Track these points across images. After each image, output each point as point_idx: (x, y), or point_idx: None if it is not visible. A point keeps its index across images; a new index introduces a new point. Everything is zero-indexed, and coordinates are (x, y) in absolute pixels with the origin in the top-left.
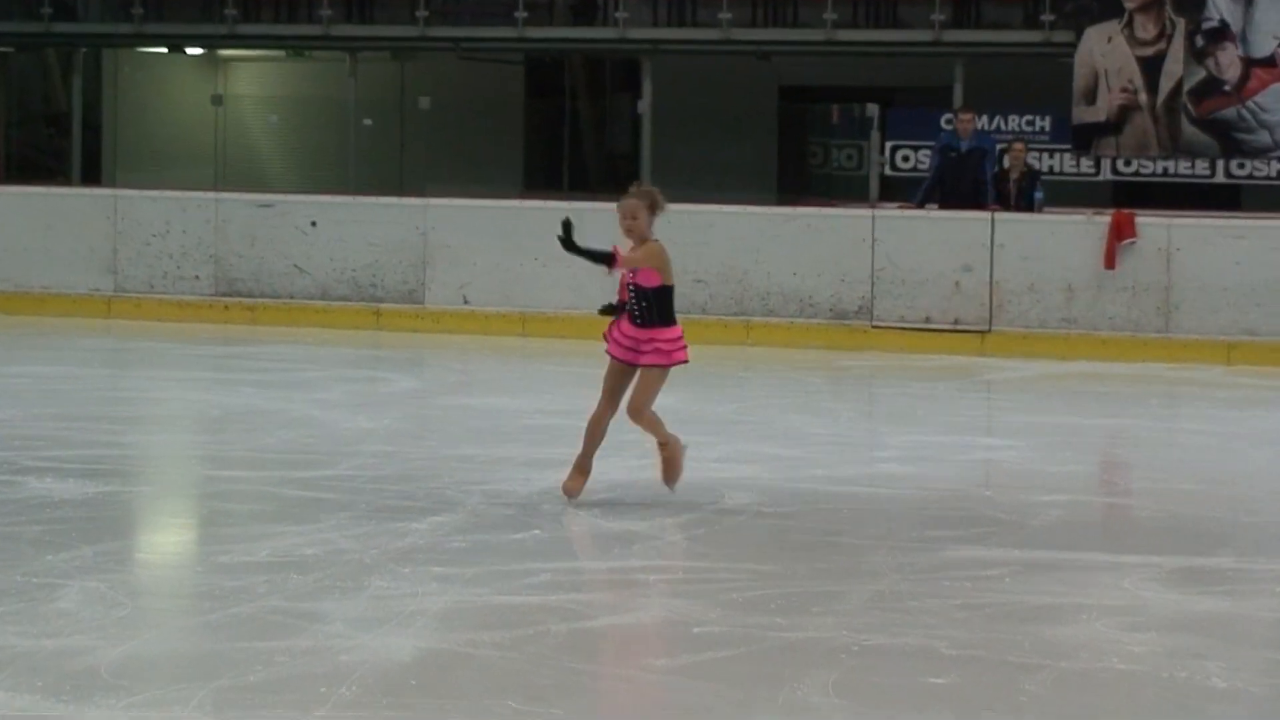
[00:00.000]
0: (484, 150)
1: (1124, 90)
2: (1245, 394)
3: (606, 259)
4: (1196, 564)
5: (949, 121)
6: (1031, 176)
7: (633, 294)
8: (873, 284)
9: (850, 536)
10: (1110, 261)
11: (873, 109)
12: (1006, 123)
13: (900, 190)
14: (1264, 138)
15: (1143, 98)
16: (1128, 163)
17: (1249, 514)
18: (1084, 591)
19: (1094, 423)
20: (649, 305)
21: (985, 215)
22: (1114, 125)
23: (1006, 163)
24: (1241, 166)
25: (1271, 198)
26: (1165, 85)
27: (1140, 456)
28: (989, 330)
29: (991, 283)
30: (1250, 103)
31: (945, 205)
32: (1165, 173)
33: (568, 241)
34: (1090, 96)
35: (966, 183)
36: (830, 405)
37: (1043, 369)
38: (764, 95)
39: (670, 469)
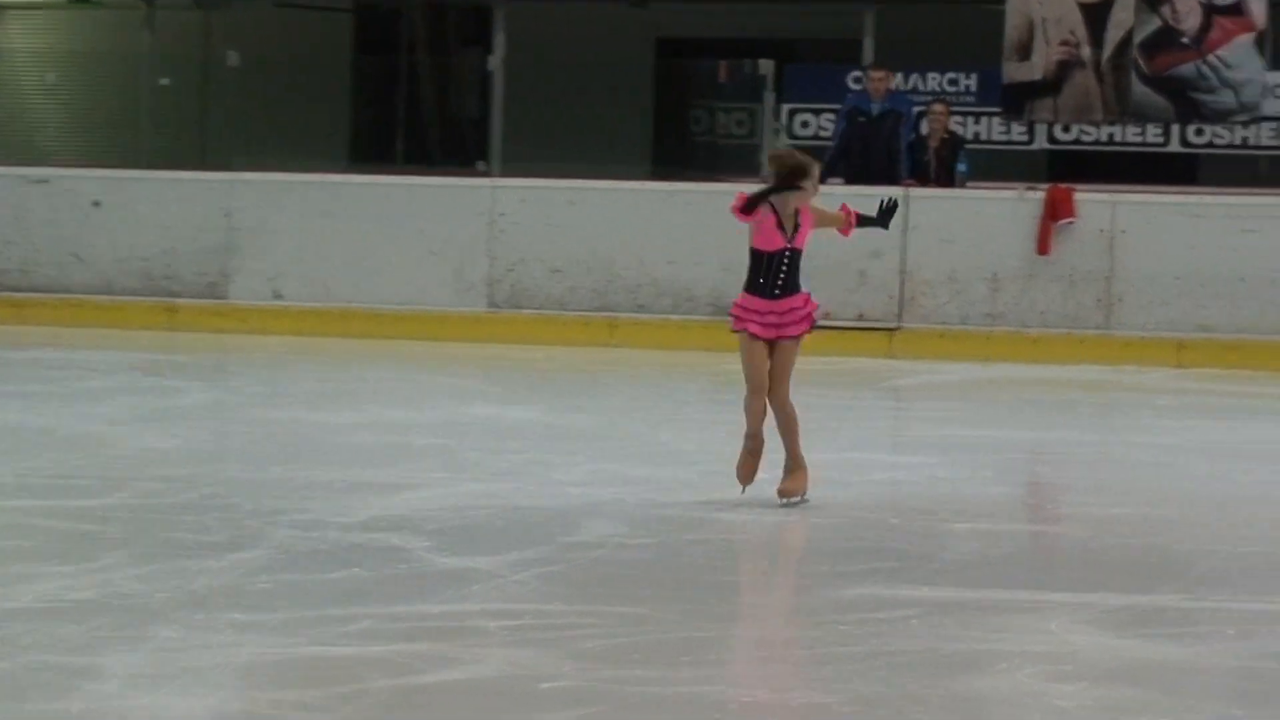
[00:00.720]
0: (303, 116)
1: (1064, 44)
2: (1195, 400)
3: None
4: (1136, 602)
5: (858, 81)
6: (954, 145)
7: (787, 258)
8: None
9: (729, 573)
10: (1044, 246)
11: (767, 66)
12: (925, 82)
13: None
14: (1227, 99)
15: (1085, 52)
16: (1067, 129)
17: (1197, 543)
18: (1005, 636)
19: (1020, 436)
20: (795, 270)
21: (899, 191)
22: (1051, 85)
23: (925, 129)
24: (1200, 133)
25: (1235, 170)
26: (1112, 37)
27: (1073, 476)
28: (898, 327)
29: (903, 271)
30: (1212, 58)
31: (852, 179)
32: (1111, 140)
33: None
34: (1024, 51)
35: (878, 153)
36: (709, 417)
37: (962, 373)
38: (638, 49)
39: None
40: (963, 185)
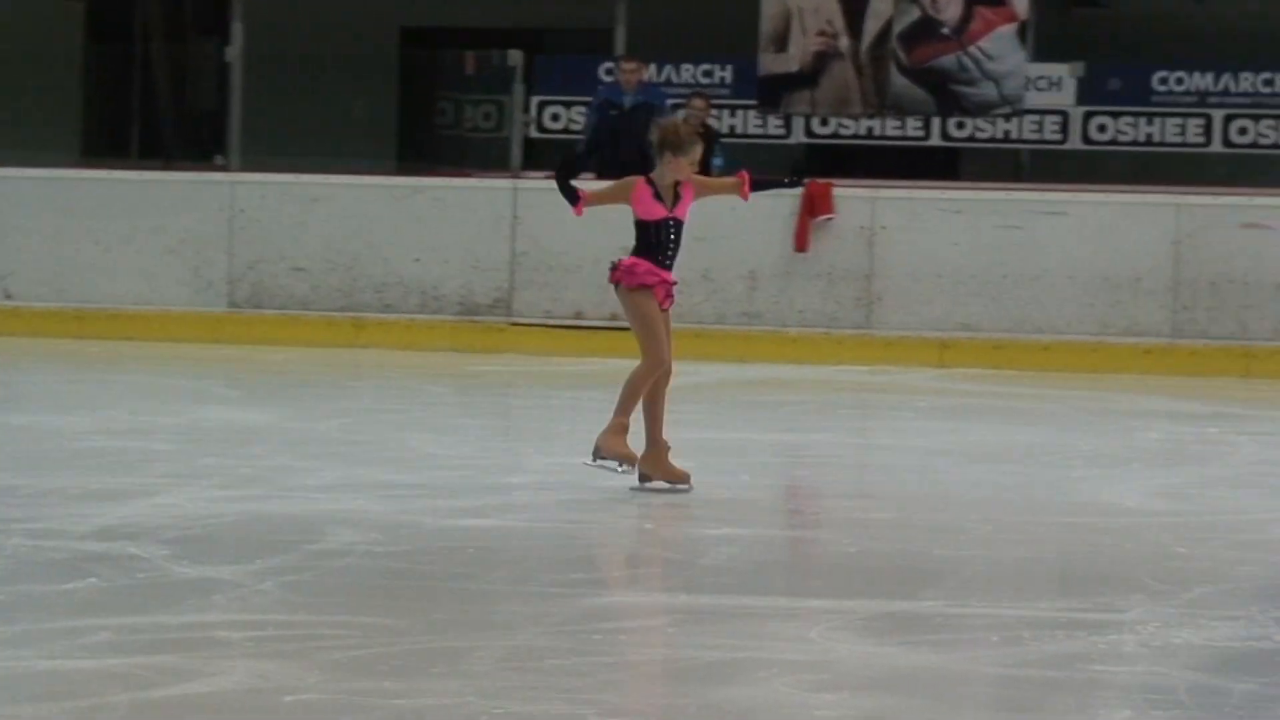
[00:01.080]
0: (31, 108)
1: (821, 34)
2: (958, 401)
3: (573, 197)
4: (897, 609)
5: (610, 72)
6: (709, 139)
7: (671, 227)
8: (512, 272)
9: (479, 581)
10: (802, 243)
11: (516, 56)
12: (680, 73)
13: (549, 156)
14: (989, 91)
15: (844, 43)
16: (825, 122)
17: (959, 547)
18: (762, 644)
19: (778, 439)
20: (680, 240)
21: None
22: (809, 76)
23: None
24: (961, 126)
25: (997, 164)
26: (871, 27)
27: (832, 480)
28: None
29: None
30: (973, 49)
31: (604, 175)
32: (870, 134)
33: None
34: (780, 42)
35: (631, 147)
36: (458, 421)
37: (718, 374)
38: (382, 39)
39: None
40: None
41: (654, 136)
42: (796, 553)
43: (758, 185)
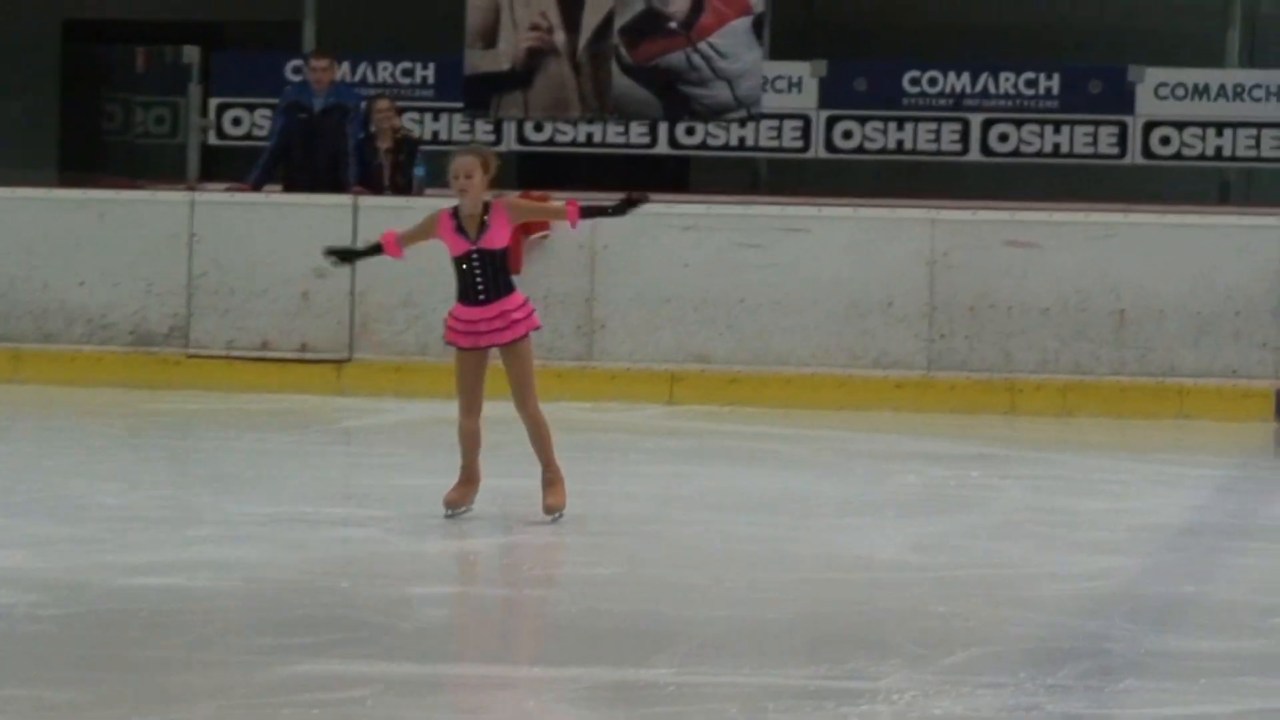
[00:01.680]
0: None
1: (534, 28)
2: (691, 442)
3: (377, 248)
4: (626, 677)
5: (298, 71)
6: (408, 146)
7: (476, 261)
8: (190, 297)
9: (158, 648)
10: (515, 264)
11: (192, 53)
12: (376, 72)
13: (231, 165)
14: (721, 92)
15: (559, 38)
16: (539, 127)
17: (694, 607)
18: (476, 717)
19: (490, 484)
20: (497, 271)
21: (346, 200)
22: (521, 76)
23: (374, 127)
24: (692, 133)
25: (732, 174)
26: (590, 21)
27: (551, 530)
28: (349, 359)
29: (354, 294)
30: (704, 45)
31: (292, 186)
32: (590, 141)
33: (347, 256)
34: (489, 37)
35: (322, 155)
36: (129, 466)
37: (423, 412)
38: (41, 32)
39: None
40: (420, 192)
41: (480, 158)
42: (512, 614)
43: (587, 212)
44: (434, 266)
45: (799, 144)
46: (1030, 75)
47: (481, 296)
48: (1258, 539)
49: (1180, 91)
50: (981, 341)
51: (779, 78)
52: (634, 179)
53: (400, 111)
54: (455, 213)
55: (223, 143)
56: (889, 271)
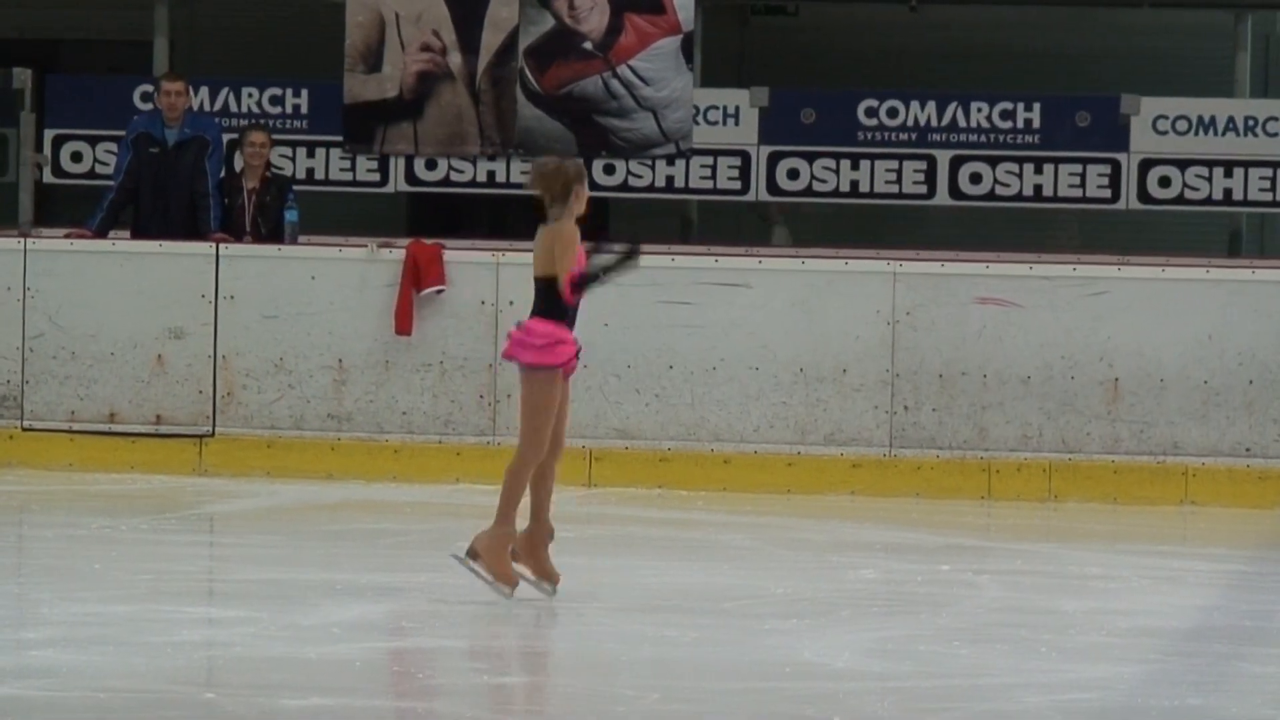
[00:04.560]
0: None
1: (425, 49)
2: (612, 530)
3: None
4: None
5: (148, 97)
6: (279, 186)
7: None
8: (24, 361)
9: None
10: (404, 324)
11: (23, 76)
12: (240, 100)
13: (70, 208)
14: (646, 125)
15: (455, 61)
16: (432, 164)
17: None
18: None
19: (374, 580)
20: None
21: (206, 248)
22: (410, 105)
23: (239, 164)
24: (611, 171)
25: (658, 220)
26: (491, 41)
27: (447, 633)
28: (212, 434)
29: (216, 357)
30: (625, 69)
31: (142, 232)
32: (492, 180)
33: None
34: (372, 59)
35: (177, 195)
36: None
37: (297, 494)
38: None
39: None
40: (293, 240)
41: (543, 185)
42: (406, 716)
43: (582, 283)
44: (310, 322)
45: (736, 185)
46: (1006, 106)
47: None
48: (1274, 644)
49: (1182, 125)
50: (952, 415)
51: (712, 108)
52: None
53: (271, 143)
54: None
55: (60, 181)
56: (843, 333)
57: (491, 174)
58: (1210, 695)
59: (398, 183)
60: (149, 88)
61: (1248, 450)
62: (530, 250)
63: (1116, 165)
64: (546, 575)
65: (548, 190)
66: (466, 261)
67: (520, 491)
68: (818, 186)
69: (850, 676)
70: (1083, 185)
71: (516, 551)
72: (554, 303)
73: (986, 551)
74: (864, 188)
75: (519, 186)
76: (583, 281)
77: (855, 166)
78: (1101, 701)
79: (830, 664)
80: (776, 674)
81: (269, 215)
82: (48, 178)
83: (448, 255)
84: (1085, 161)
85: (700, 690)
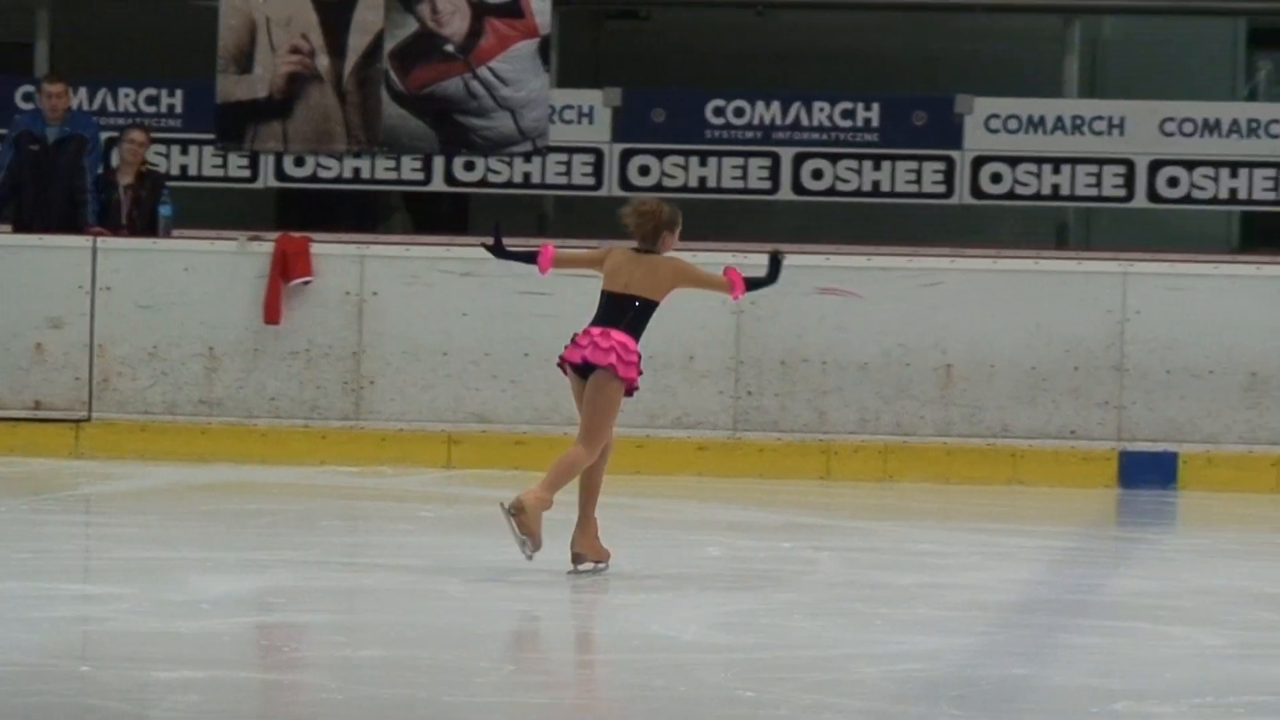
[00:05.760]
0: None
1: (295, 51)
2: (471, 510)
3: (531, 256)
4: None
5: (29, 97)
6: (153, 182)
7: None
8: None
9: None
10: (273, 313)
11: None
12: (117, 99)
13: None
14: (504, 123)
15: (323, 63)
16: (300, 161)
17: (473, 693)
18: None
19: (244, 557)
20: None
21: (84, 241)
22: (280, 105)
23: (115, 160)
24: (471, 167)
25: (516, 214)
26: (358, 44)
27: (313, 608)
28: (88, 418)
29: (93, 346)
30: (485, 71)
31: (23, 226)
32: (358, 176)
33: (499, 248)
34: (244, 61)
35: (57, 191)
36: None
37: (169, 476)
38: None
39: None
40: (167, 234)
41: (636, 216)
42: (271, 700)
43: (752, 284)
44: (181, 312)
45: (590, 180)
46: (847, 105)
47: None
48: (1098, 617)
49: (1013, 124)
50: (794, 400)
51: (568, 107)
52: (405, 218)
53: (149, 142)
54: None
55: None
56: (691, 323)
57: (357, 170)
58: (1036, 665)
59: (267, 179)
60: (31, 88)
61: (1073, 433)
62: (397, 242)
63: (951, 162)
64: (601, 556)
65: (638, 228)
66: (333, 254)
67: (570, 479)
68: (667, 183)
69: (696, 649)
70: (919, 181)
71: (577, 551)
72: (643, 324)
73: (825, 529)
74: (711, 184)
75: (383, 182)
76: (752, 282)
77: (703, 164)
78: (933, 672)
79: (678, 637)
80: (626, 646)
81: (144, 210)
82: None
83: (315, 248)
84: (921, 159)
85: (553, 662)
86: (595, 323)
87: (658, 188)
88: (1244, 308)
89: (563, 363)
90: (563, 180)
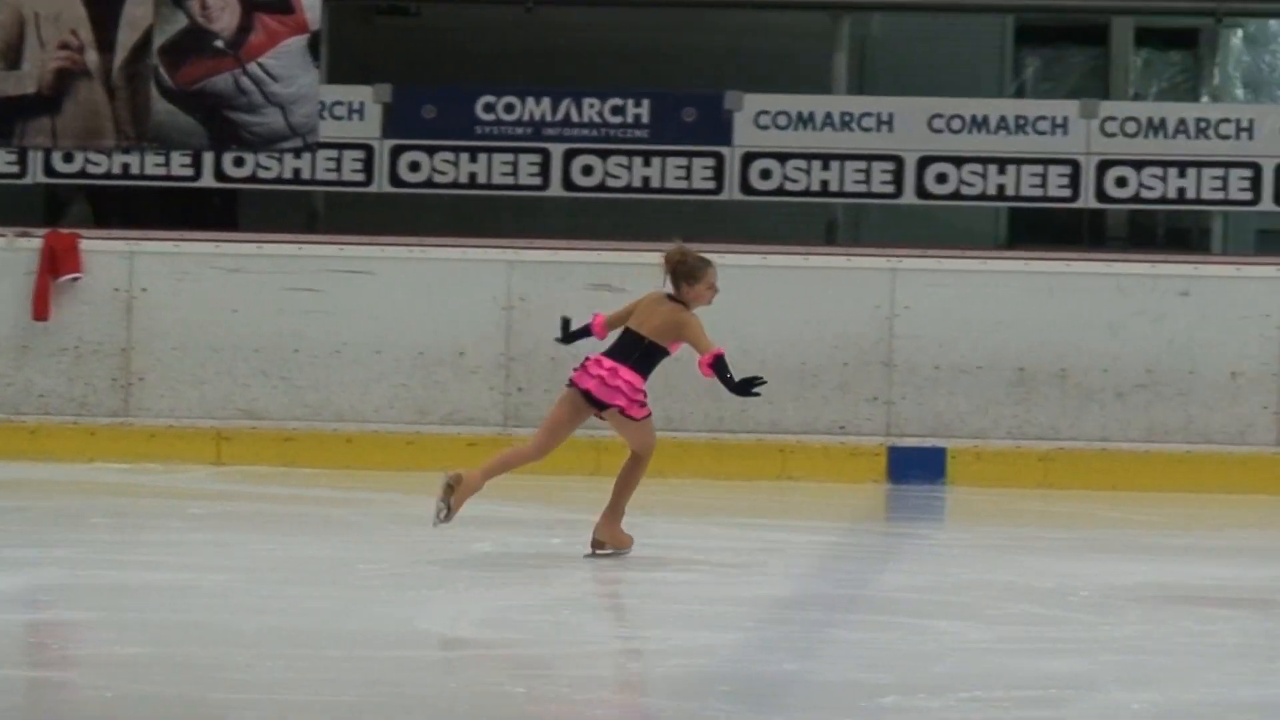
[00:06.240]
0: None
1: (64, 47)
2: (240, 507)
3: (585, 331)
4: None
5: None
6: None
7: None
8: None
9: None
10: (41, 310)
11: None
12: None
13: None
14: (273, 119)
15: (91, 58)
16: (69, 157)
17: (242, 690)
18: None
19: (7, 554)
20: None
21: None
22: (49, 100)
23: None
24: (241, 163)
25: (286, 211)
26: (126, 39)
27: (80, 605)
28: None
29: None
30: (255, 67)
31: None
32: (127, 172)
33: (567, 336)
34: (12, 56)
35: None
36: None
37: None
38: None
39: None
40: None
41: (668, 261)
42: (39, 698)
43: (718, 375)
44: None
45: (361, 177)
46: (617, 102)
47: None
48: (867, 612)
49: (783, 120)
50: None
51: (338, 103)
52: (176, 215)
53: None
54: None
55: None
56: (461, 318)
57: (126, 166)
58: (806, 660)
59: (36, 174)
60: None
61: (842, 428)
62: (167, 239)
63: (721, 159)
64: (622, 543)
65: (670, 271)
66: (101, 250)
67: (634, 488)
68: (437, 179)
69: (466, 645)
70: (689, 178)
71: (599, 539)
72: (650, 365)
73: (591, 525)
74: (482, 180)
75: (153, 179)
76: (721, 367)
77: (474, 160)
78: (703, 667)
79: (445, 632)
80: (392, 641)
81: None
82: None
83: (84, 244)
84: (691, 155)
85: (318, 658)
86: (608, 353)
87: (428, 183)
88: (1011, 303)
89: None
90: (333, 176)
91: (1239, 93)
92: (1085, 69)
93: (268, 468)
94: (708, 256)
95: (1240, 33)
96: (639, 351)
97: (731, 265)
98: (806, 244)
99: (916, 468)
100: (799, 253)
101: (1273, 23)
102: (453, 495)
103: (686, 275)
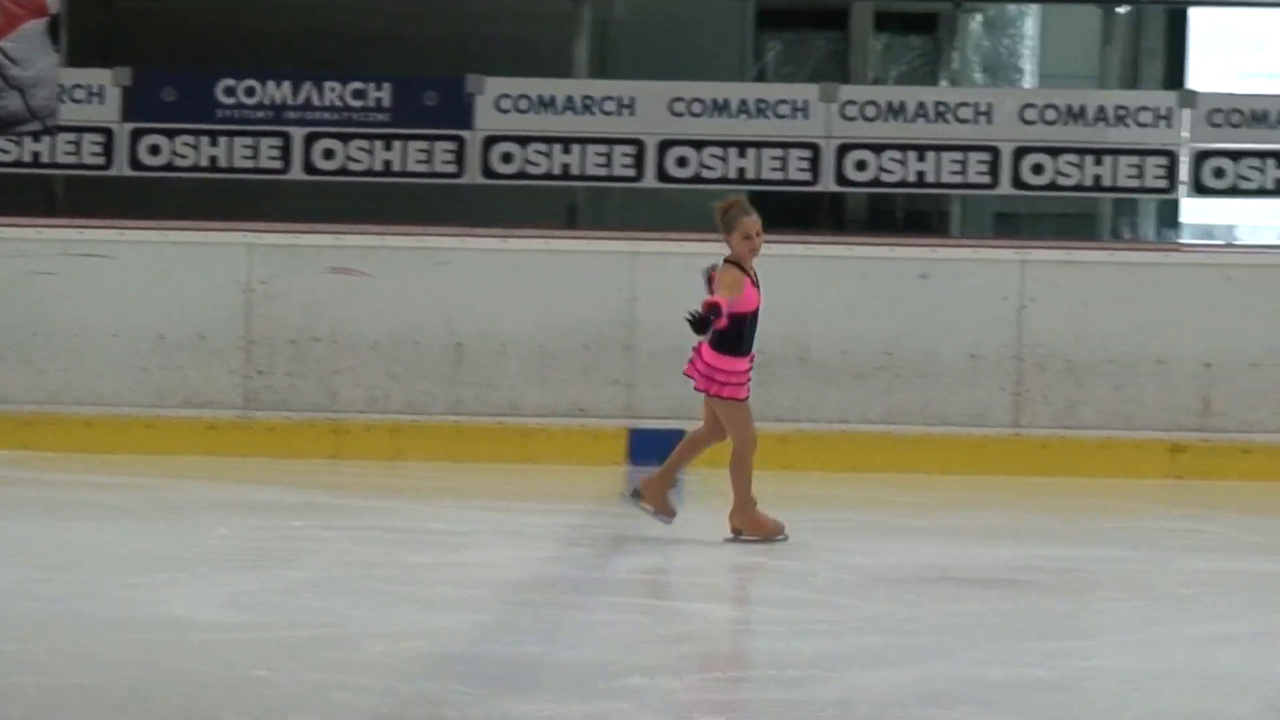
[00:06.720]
0: None
1: None
2: None
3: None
4: None
5: None
6: None
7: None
8: None
9: None
10: None
11: None
12: None
13: None
14: (14, 103)
15: None
16: None
17: None
18: None
19: None
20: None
21: None
22: None
23: None
24: None
25: (25, 194)
26: None
27: None
28: None
29: None
30: None
31: None
32: None
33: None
34: None
35: None
36: None
37: None
38: None
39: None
40: None
41: (716, 212)
42: None
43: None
44: None
45: (101, 160)
46: (358, 86)
47: (748, 348)
48: (608, 594)
49: (524, 104)
50: (304, 378)
51: (78, 86)
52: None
53: None
54: (740, 267)
55: None
56: (201, 301)
57: None
58: (547, 642)
59: None
60: None
61: (582, 411)
62: None
63: (462, 142)
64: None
65: (720, 221)
66: None
67: (748, 474)
68: (178, 162)
69: (208, 628)
70: (430, 161)
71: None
72: (721, 336)
73: (337, 509)
74: (223, 163)
75: None
76: (706, 311)
77: (214, 143)
78: (442, 648)
79: (188, 616)
80: (136, 627)
81: None
82: None
83: None
84: (433, 139)
85: (75, 643)
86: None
87: (168, 167)
88: None
89: None
90: (73, 159)
91: (978, 77)
92: (825, 53)
93: (7, 451)
94: (748, 205)
95: (980, 17)
96: (710, 324)
97: (473, 249)
98: (548, 227)
99: (657, 450)
100: (540, 236)
101: (1011, 7)
102: (643, 500)
103: (725, 226)
